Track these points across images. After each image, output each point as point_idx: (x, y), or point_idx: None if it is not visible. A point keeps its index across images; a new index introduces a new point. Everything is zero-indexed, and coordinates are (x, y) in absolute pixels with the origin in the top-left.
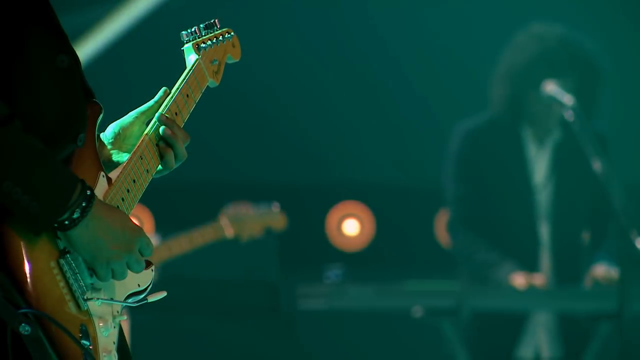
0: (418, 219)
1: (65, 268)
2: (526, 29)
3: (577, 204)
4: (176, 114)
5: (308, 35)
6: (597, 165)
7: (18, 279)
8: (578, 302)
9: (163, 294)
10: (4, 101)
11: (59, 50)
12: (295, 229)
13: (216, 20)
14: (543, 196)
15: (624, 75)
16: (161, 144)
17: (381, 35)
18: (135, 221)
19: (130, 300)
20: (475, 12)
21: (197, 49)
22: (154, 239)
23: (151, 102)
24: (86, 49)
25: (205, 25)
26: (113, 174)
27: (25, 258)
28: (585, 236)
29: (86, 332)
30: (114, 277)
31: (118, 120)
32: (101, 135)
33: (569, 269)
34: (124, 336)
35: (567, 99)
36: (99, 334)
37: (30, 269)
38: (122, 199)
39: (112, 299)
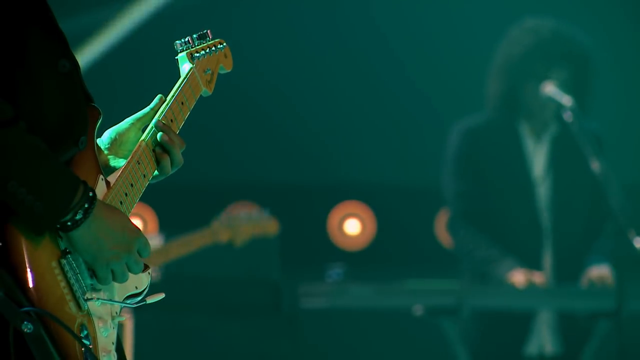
0: (419, 219)
1: (67, 268)
2: (520, 23)
3: (577, 196)
4: (172, 120)
5: (308, 36)
6: (595, 166)
7: (20, 278)
8: (577, 301)
9: (161, 296)
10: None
11: (60, 55)
12: (297, 229)
13: (208, 31)
14: (542, 189)
15: (621, 74)
16: (157, 149)
17: (383, 35)
18: (134, 222)
19: (128, 302)
20: (478, 13)
21: (191, 58)
22: (158, 239)
23: (147, 109)
24: (84, 55)
25: (198, 35)
26: (111, 178)
27: (27, 257)
28: (585, 231)
29: (86, 332)
30: (114, 278)
31: (114, 127)
32: (97, 140)
33: (571, 260)
34: (120, 337)
35: (566, 99)
36: (98, 334)
37: (33, 268)
38: (121, 202)
39: (111, 300)
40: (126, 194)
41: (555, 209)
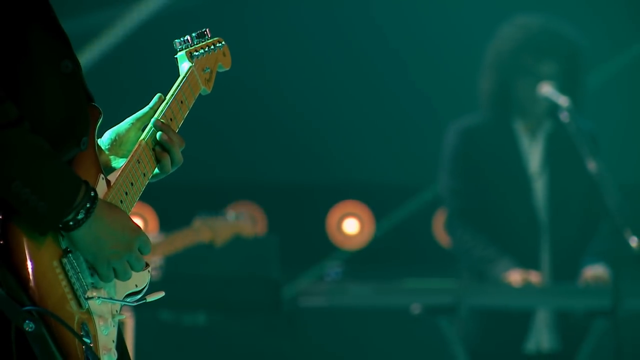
0: (417, 219)
1: (68, 267)
2: (509, 21)
3: (573, 192)
4: (171, 119)
5: (308, 37)
6: (591, 166)
7: (22, 277)
8: (574, 300)
9: (161, 294)
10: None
11: (63, 56)
12: (297, 228)
13: (207, 30)
14: (539, 186)
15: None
16: (157, 148)
17: (382, 35)
18: (135, 220)
19: (129, 300)
20: (478, 14)
21: (190, 57)
22: (158, 238)
23: (146, 109)
24: (84, 55)
25: (197, 34)
26: (111, 177)
27: (29, 256)
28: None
29: (87, 330)
30: (116, 276)
31: (114, 127)
32: (98, 141)
33: (568, 256)
34: (122, 335)
35: (563, 100)
36: (99, 333)
37: (34, 268)
38: (121, 201)
39: (112, 298)
40: (126, 193)
41: (551, 206)
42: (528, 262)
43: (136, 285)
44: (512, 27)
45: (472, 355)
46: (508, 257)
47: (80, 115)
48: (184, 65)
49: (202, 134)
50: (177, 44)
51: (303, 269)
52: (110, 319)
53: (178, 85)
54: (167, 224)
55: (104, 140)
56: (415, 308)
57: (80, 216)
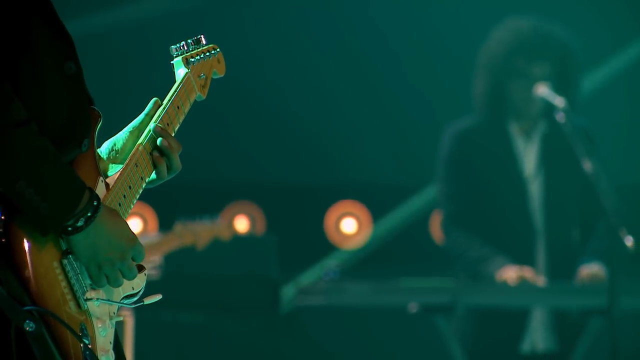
0: (414, 218)
1: (68, 268)
2: (501, 23)
3: (568, 194)
4: (168, 124)
5: (307, 38)
6: (586, 165)
7: (23, 277)
8: (570, 298)
9: (158, 297)
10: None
11: (67, 57)
12: (295, 227)
13: (202, 37)
14: (534, 188)
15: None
16: (155, 153)
17: (382, 36)
18: (132, 229)
19: (126, 302)
20: (477, 14)
21: (187, 63)
22: (156, 237)
23: (142, 116)
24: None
25: (193, 40)
26: (109, 180)
27: (30, 257)
28: (577, 229)
29: (85, 331)
30: (108, 282)
31: (112, 137)
32: (97, 151)
33: (563, 258)
34: (118, 337)
35: (559, 101)
36: (97, 334)
37: (35, 268)
38: (119, 204)
39: (110, 300)
40: (124, 196)
41: (547, 208)
42: (524, 264)
43: (133, 288)
44: (503, 30)
45: (468, 354)
46: (502, 255)
47: (81, 116)
48: (180, 71)
49: (200, 134)
50: (174, 50)
51: (301, 269)
52: (108, 321)
53: (175, 91)
54: (166, 224)
55: (102, 150)
56: (413, 307)
57: (80, 223)
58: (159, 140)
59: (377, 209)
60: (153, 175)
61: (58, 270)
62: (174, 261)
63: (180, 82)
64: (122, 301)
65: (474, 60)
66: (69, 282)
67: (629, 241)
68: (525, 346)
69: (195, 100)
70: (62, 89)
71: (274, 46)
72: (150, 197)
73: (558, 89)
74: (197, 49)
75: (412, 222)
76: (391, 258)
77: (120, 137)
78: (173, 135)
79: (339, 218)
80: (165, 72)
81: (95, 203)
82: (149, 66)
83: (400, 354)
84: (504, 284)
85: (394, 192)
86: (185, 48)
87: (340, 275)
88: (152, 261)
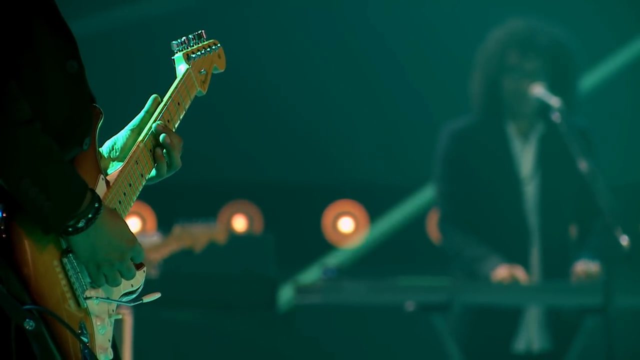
0: (411, 218)
1: (68, 267)
2: (501, 24)
3: (564, 195)
4: (168, 121)
5: (306, 38)
6: (582, 165)
7: (24, 275)
8: (565, 297)
9: (157, 295)
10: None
11: (69, 56)
12: (292, 226)
13: (203, 32)
14: (530, 188)
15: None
16: (156, 150)
17: (380, 36)
18: (132, 223)
19: (125, 300)
20: (476, 15)
21: (187, 58)
22: (156, 237)
23: (142, 114)
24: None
25: (194, 35)
26: (110, 177)
27: (31, 256)
28: (572, 230)
29: (85, 329)
30: (107, 282)
31: (113, 137)
32: (98, 149)
33: (558, 259)
34: (115, 335)
35: (555, 101)
36: (96, 332)
37: (35, 267)
38: (120, 202)
39: (109, 298)
40: (124, 194)
41: (542, 209)
42: (520, 262)
43: (132, 285)
44: (498, 29)
45: (465, 353)
46: (497, 254)
47: (83, 115)
48: (181, 67)
49: (199, 133)
50: (175, 46)
51: (299, 268)
52: (106, 319)
53: (176, 87)
54: (165, 223)
55: (103, 149)
56: (409, 305)
57: (80, 224)
58: (161, 137)
59: (374, 209)
60: (153, 172)
61: (58, 269)
62: (172, 260)
63: (181, 79)
64: (121, 299)
65: (471, 60)
66: (69, 280)
67: (624, 240)
68: (521, 345)
69: (195, 96)
70: (63, 87)
71: (273, 46)
72: (149, 196)
73: (555, 90)
74: (198, 44)
75: (409, 221)
76: (388, 257)
77: (120, 136)
78: (174, 130)
79: (337, 217)
80: (168, 70)
81: (96, 205)
82: (151, 64)
83: (397, 352)
84: (500, 283)
85: (391, 191)
86: (187, 43)
87: (337, 274)
88: (151, 260)
